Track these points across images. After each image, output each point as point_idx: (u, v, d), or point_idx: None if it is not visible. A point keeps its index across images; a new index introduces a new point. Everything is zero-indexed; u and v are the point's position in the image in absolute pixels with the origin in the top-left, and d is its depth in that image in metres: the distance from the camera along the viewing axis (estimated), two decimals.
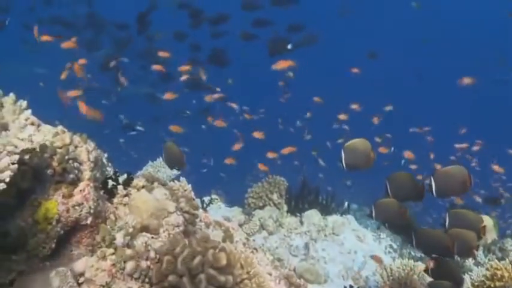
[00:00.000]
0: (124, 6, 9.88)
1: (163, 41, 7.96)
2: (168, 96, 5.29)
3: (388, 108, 6.65)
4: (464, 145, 6.28)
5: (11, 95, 1.41)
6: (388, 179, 2.24)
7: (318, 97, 6.31)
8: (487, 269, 2.03)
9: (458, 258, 3.54)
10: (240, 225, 3.46)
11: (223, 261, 1.51)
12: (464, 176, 2.15)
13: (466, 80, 5.27)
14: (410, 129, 7.00)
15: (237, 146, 4.89)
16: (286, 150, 4.67)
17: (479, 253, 3.59)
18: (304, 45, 6.61)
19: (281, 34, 6.31)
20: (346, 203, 4.50)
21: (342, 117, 6.30)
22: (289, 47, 5.82)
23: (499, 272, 1.94)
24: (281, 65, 4.57)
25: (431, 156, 6.44)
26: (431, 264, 2.25)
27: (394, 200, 2.32)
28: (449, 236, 2.20)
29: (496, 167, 5.81)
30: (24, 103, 1.44)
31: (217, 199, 4.11)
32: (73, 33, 6.96)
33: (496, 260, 2.09)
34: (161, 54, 5.96)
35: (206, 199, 4.00)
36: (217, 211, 3.94)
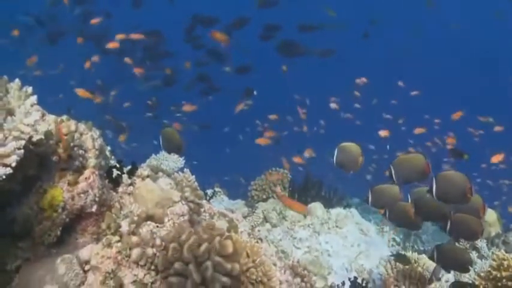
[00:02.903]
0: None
1: (171, 42, 7.94)
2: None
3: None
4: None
5: (17, 80, 1.40)
6: (392, 163, 2.17)
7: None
8: (493, 259, 2.02)
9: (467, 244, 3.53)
10: (244, 217, 3.45)
11: (230, 249, 1.50)
12: (465, 183, 2.02)
13: None
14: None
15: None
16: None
17: (483, 245, 3.59)
18: (320, 56, 6.76)
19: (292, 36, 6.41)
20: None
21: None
22: (255, 92, 6.18)
23: (505, 262, 1.94)
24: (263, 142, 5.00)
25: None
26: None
27: (393, 185, 2.25)
28: (454, 222, 2.17)
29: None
30: (29, 89, 1.43)
31: (220, 192, 4.11)
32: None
33: (503, 250, 2.08)
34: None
35: (209, 191, 3.99)
36: (221, 203, 3.93)
